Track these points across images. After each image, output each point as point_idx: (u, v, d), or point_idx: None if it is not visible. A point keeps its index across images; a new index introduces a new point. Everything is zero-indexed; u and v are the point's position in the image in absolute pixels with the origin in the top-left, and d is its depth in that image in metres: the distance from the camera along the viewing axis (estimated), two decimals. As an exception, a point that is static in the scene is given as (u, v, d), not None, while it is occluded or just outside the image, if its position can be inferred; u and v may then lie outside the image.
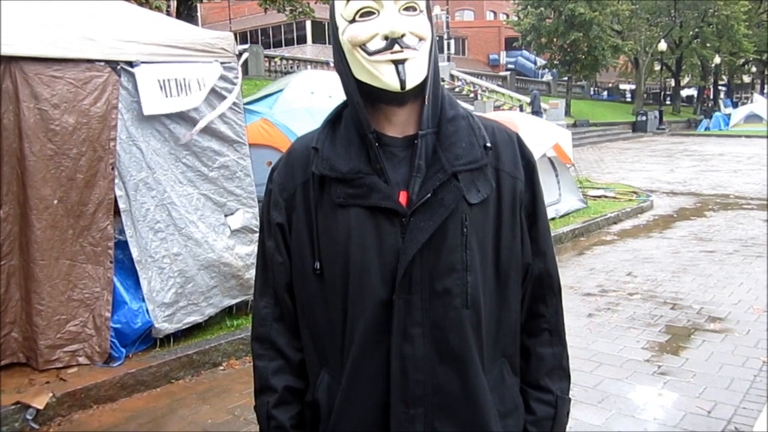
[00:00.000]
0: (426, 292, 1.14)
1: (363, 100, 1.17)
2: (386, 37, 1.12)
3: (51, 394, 3.52)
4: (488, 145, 1.20)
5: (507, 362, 1.27)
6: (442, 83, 1.24)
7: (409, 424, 1.15)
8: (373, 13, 1.13)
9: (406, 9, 1.14)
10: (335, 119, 1.24)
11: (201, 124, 4.27)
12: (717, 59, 38.98)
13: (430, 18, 1.19)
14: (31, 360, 3.86)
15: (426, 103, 1.18)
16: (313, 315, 1.23)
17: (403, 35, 1.12)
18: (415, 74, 1.14)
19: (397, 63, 1.12)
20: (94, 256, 3.95)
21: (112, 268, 4.02)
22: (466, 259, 1.15)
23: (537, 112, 24.97)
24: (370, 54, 1.13)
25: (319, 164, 1.18)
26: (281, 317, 1.28)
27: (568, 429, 3.62)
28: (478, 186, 1.18)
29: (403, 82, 1.12)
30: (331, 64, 22.81)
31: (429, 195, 1.13)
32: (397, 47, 1.12)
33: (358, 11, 1.13)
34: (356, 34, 1.14)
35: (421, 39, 1.15)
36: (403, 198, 1.15)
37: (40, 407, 3.44)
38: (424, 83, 1.17)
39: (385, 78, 1.13)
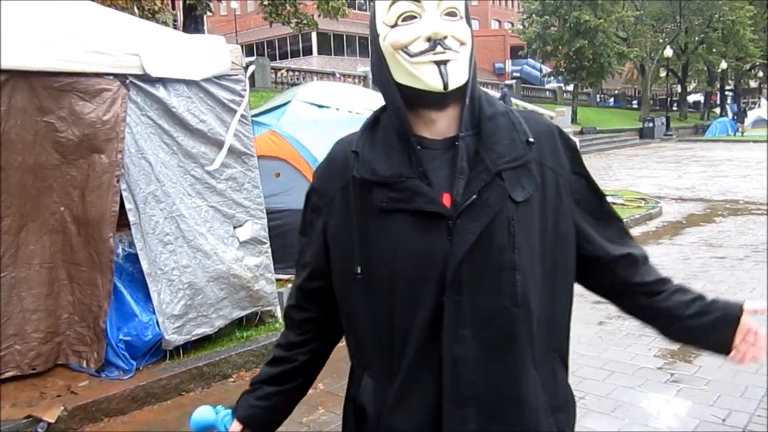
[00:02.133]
0: (475, 293, 1.14)
1: (404, 104, 1.18)
2: (429, 39, 1.14)
3: (62, 408, 3.52)
4: (531, 140, 1.19)
5: (558, 357, 1.28)
6: (479, 86, 1.25)
7: (462, 424, 1.15)
8: (415, 17, 1.15)
9: (448, 14, 1.16)
10: (374, 123, 1.24)
11: (223, 152, 4.35)
12: (723, 64, 38.93)
13: (469, 24, 1.20)
14: (37, 366, 3.88)
15: (470, 103, 1.19)
16: (356, 319, 1.24)
17: (445, 37, 1.14)
18: (457, 76, 1.15)
19: (439, 64, 1.14)
20: (97, 267, 3.97)
21: (112, 280, 4.03)
22: (515, 258, 1.15)
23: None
24: (413, 56, 1.14)
25: (360, 168, 1.18)
26: (293, 306, 1.39)
27: (581, 439, 3.52)
28: (523, 183, 1.17)
29: (445, 83, 1.13)
30: (338, 75, 22.88)
31: (474, 196, 1.13)
32: (439, 48, 1.14)
33: (401, 15, 1.15)
34: (398, 38, 1.15)
35: (462, 43, 1.17)
36: (446, 200, 1.15)
37: (52, 421, 3.44)
38: (464, 86, 1.18)
39: (427, 78, 1.14)
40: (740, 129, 32.64)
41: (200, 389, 4.12)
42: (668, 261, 7.34)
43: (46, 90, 3.71)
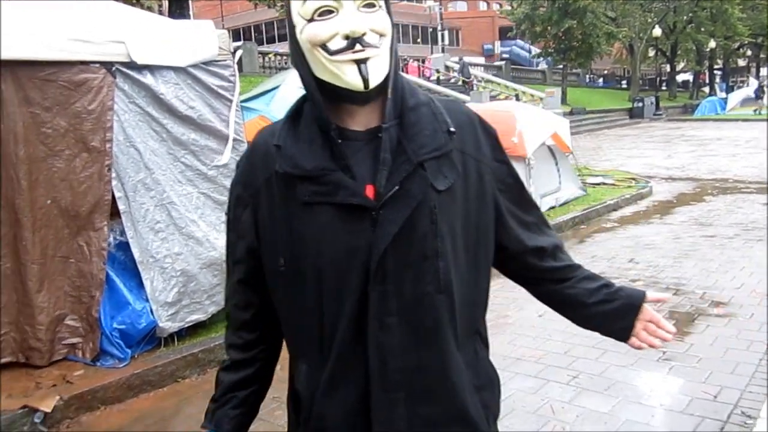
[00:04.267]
0: (399, 281, 1.16)
1: (324, 97, 1.16)
2: (347, 37, 1.11)
3: (58, 397, 3.52)
4: (452, 129, 1.21)
5: (479, 338, 1.33)
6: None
7: (390, 408, 1.18)
8: (332, 12, 1.11)
9: (366, 6, 1.13)
10: (296, 114, 1.23)
11: (229, 145, 4.36)
12: (712, 43, 38.93)
13: (389, 10, 1.18)
14: (32, 359, 3.87)
15: (389, 96, 1.18)
16: (286, 310, 1.26)
17: (363, 34, 1.12)
18: (378, 72, 1.14)
19: (359, 62, 1.12)
20: (89, 256, 3.96)
21: (105, 269, 4.01)
22: (438, 246, 1.17)
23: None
24: (332, 54, 1.12)
25: (282, 162, 1.17)
26: (236, 305, 1.35)
27: (575, 417, 3.62)
28: (445, 172, 1.19)
29: (366, 81, 1.12)
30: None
31: (397, 187, 1.14)
32: (358, 47, 1.12)
33: (317, 10, 1.12)
34: (316, 34, 1.12)
35: (382, 35, 1.15)
36: (370, 191, 1.15)
37: (48, 410, 3.44)
38: (386, 79, 1.17)
39: (348, 78, 1.12)
40: (760, 106, 31.37)
41: (196, 375, 4.13)
42: (659, 240, 7.38)
43: (31, 81, 3.66)
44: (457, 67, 30.28)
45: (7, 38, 3.53)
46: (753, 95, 34.00)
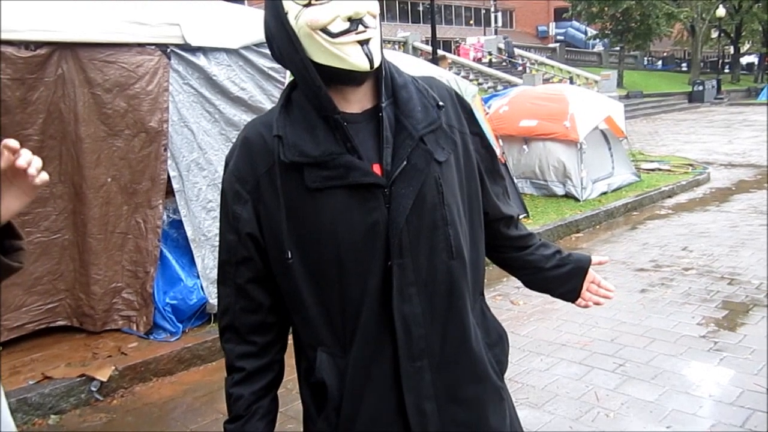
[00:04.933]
0: (416, 252, 1.20)
1: (324, 84, 1.17)
2: (349, 19, 1.13)
3: (113, 368, 3.68)
4: (441, 104, 1.26)
5: (483, 298, 1.41)
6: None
7: (419, 376, 1.22)
8: None
9: None
10: (287, 103, 1.23)
11: None
12: (780, 24, 37.16)
13: None
14: (85, 324, 4.07)
15: (384, 74, 1.22)
16: (300, 299, 1.23)
17: (364, 15, 1.14)
18: (378, 52, 1.17)
19: (362, 43, 1.14)
20: (145, 233, 4.11)
21: (159, 246, 4.15)
22: (446, 215, 1.22)
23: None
24: (334, 36, 1.13)
25: (286, 152, 1.17)
26: (243, 309, 1.28)
27: (619, 405, 3.58)
28: (442, 144, 1.24)
29: (372, 61, 1.15)
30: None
31: (404, 163, 1.18)
32: (361, 27, 1.14)
33: None
34: (316, 18, 1.12)
35: (374, 17, 1.17)
36: (376, 170, 1.18)
37: (104, 379, 3.60)
38: None
39: (353, 59, 1.14)
40: None
41: (244, 352, 4.23)
42: (715, 228, 7.16)
43: (91, 62, 3.79)
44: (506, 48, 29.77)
45: (68, 21, 3.66)
46: None
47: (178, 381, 3.87)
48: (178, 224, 4.26)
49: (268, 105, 4.47)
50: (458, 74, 18.49)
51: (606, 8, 30.36)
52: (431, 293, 1.22)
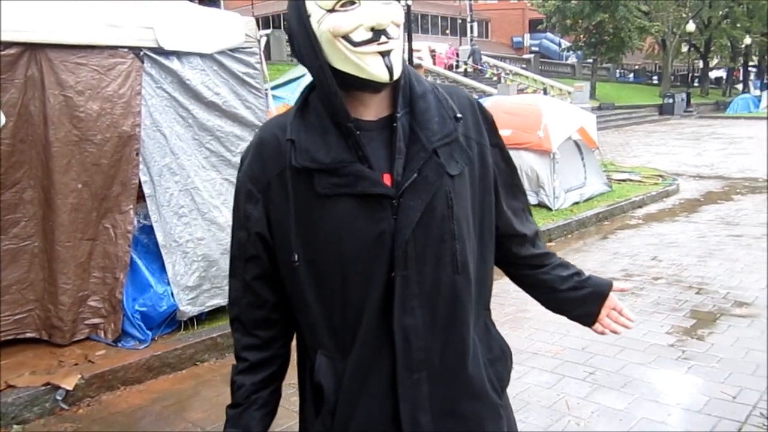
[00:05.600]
0: (421, 265, 1.19)
1: (340, 90, 1.16)
2: (372, 29, 1.12)
3: (80, 376, 3.60)
4: (459, 116, 1.24)
5: (488, 313, 1.39)
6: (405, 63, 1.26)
7: (415, 388, 1.22)
8: (354, 3, 1.12)
9: None
10: (303, 106, 1.23)
11: None
12: (747, 40, 38.15)
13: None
14: (54, 337, 3.96)
15: (402, 83, 1.21)
16: (304, 301, 1.24)
17: (387, 26, 1.13)
18: (398, 63, 1.16)
19: (383, 54, 1.13)
20: (114, 239, 4.03)
21: (129, 252, 4.08)
22: (454, 229, 1.21)
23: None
24: (356, 45, 1.12)
25: (298, 156, 1.17)
26: (250, 303, 1.31)
27: (590, 413, 3.60)
28: (456, 157, 1.23)
29: (391, 73, 1.14)
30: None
31: (415, 175, 1.17)
32: (383, 38, 1.13)
33: (339, 1, 1.12)
34: (339, 25, 1.12)
35: (397, 26, 1.16)
36: (387, 180, 1.18)
37: (70, 388, 3.52)
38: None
39: (373, 69, 1.13)
40: None
41: (215, 359, 4.19)
42: (684, 238, 7.28)
43: (63, 63, 3.73)
44: (480, 58, 30.02)
45: (38, 21, 3.59)
46: None
47: (146, 389, 3.80)
48: (148, 230, 4.21)
49: (242, 110, 4.44)
50: (434, 82, 18.55)
51: (580, 21, 30.84)
52: (434, 306, 1.21)
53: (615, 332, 1.48)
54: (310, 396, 1.30)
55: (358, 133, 1.17)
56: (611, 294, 1.46)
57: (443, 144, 1.20)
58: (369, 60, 1.13)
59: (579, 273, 1.47)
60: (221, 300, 4.42)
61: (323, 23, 1.13)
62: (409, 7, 17.47)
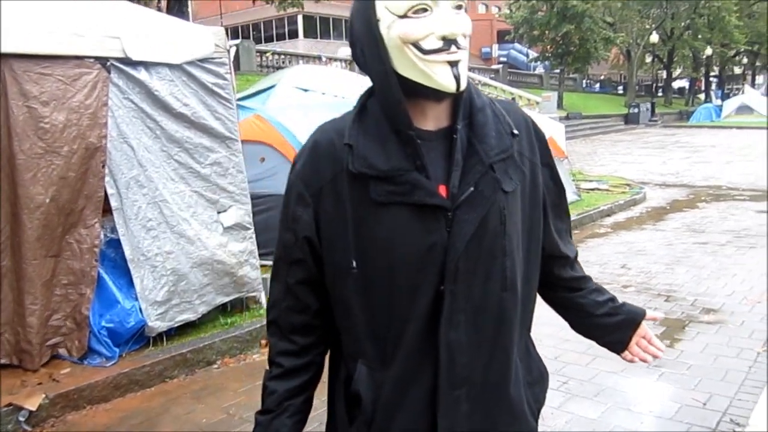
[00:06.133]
0: (470, 280, 1.17)
1: (404, 97, 1.15)
2: (443, 38, 1.11)
3: (44, 395, 3.49)
4: (515, 132, 1.23)
5: (529, 334, 1.37)
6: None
7: (456, 405, 1.20)
8: (427, 10, 1.11)
9: (456, 7, 1.13)
10: (361, 111, 1.22)
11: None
12: (708, 50, 39.11)
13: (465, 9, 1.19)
14: (24, 362, 3.81)
15: (464, 95, 1.19)
16: (349, 309, 1.23)
17: (458, 36, 1.12)
18: (465, 73, 1.15)
19: (452, 64, 1.12)
20: (80, 254, 3.92)
21: (96, 266, 3.98)
22: (505, 246, 1.20)
23: None
24: (425, 53, 1.11)
25: (355, 162, 1.16)
26: (289, 307, 1.29)
27: (564, 423, 3.60)
28: (510, 174, 1.21)
29: (459, 84, 1.13)
30: (324, 59, 22.63)
31: (471, 188, 1.16)
32: (453, 48, 1.12)
33: (412, 8, 1.10)
34: (410, 31, 1.11)
35: (466, 37, 1.15)
36: (442, 191, 1.16)
37: (33, 409, 3.41)
38: None
39: (441, 78, 1.12)
40: None
41: (184, 376, 4.10)
42: (651, 246, 7.39)
43: (26, 74, 3.63)
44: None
45: (3, 32, 3.50)
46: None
47: (113, 408, 3.70)
48: (116, 243, 4.11)
49: (211, 121, 4.39)
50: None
51: (547, 32, 31.29)
52: (480, 323, 1.20)
53: (645, 361, 1.47)
54: (342, 405, 1.28)
55: (418, 141, 1.15)
56: (643, 323, 1.46)
57: (500, 159, 1.19)
58: (437, 69, 1.11)
59: (614, 299, 1.45)
60: (191, 315, 4.35)
61: (393, 29, 1.12)
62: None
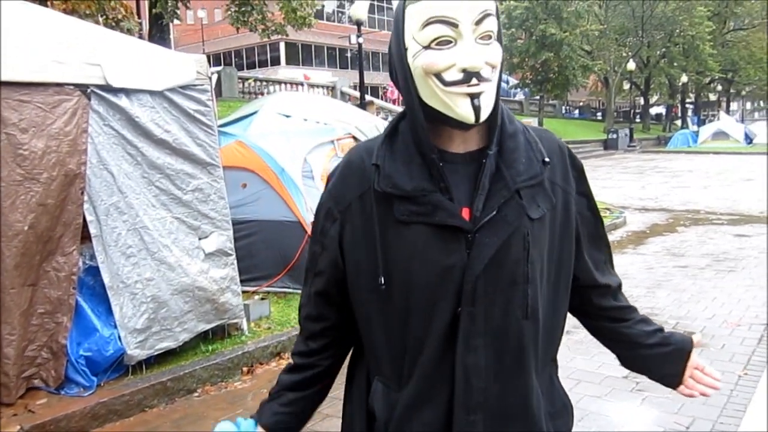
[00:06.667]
0: (489, 304, 1.17)
1: (427, 120, 1.17)
2: (464, 70, 1.12)
3: (19, 427, 3.41)
4: (546, 160, 1.23)
5: (554, 364, 1.35)
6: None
7: (470, 429, 1.19)
8: (450, 42, 1.12)
9: (482, 38, 1.13)
10: (392, 132, 1.24)
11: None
12: (684, 78, 39.95)
13: (500, 38, 1.18)
14: (0, 396, 3.70)
15: (498, 123, 1.20)
16: (370, 326, 1.25)
17: (480, 69, 1.13)
18: (488, 105, 1.15)
19: (472, 96, 1.13)
20: (57, 282, 3.85)
21: (74, 294, 3.92)
22: (528, 273, 1.18)
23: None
24: (446, 84, 1.12)
25: (381, 181, 1.18)
26: (309, 315, 1.36)
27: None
28: (538, 201, 1.21)
29: (478, 116, 1.13)
30: (305, 85, 22.70)
31: (494, 212, 1.16)
32: (474, 81, 1.12)
33: (435, 39, 1.12)
34: (432, 63, 1.12)
35: (494, 68, 1.15)
36: (465, 214, 1.17)
37: (8, 440, 3.33)
38: (494, 106, 1.18)
39: (460, 110, 1.13)
40: None
41: (164, 405, 4.03)
42: (633, 270, 7.44)
43: (5, 101, 3.60)
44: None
45: (-20, 58, 3.48)
46: None
47: (91, 439, 3.62)
48: (95, 271, 4.05)
49: (193, 148, 4.37)
50: (386, 119, 18.78)
51: (526, 59, 31.84)
52: (498, 348, 1.19)
53: (704, 395, 1.42)
54: (360, 417, 1.31)
55: (441, 164, 1.17)
56: (694, 352, 1.40)
57: (527, 186, 1.19)
58: (457, 100, 1.12)
59: (662, 329, 1.42)
60: (171, 342, 4.29)
61: (418, 59, 1.14)
62: (360, 45, 17.68)
